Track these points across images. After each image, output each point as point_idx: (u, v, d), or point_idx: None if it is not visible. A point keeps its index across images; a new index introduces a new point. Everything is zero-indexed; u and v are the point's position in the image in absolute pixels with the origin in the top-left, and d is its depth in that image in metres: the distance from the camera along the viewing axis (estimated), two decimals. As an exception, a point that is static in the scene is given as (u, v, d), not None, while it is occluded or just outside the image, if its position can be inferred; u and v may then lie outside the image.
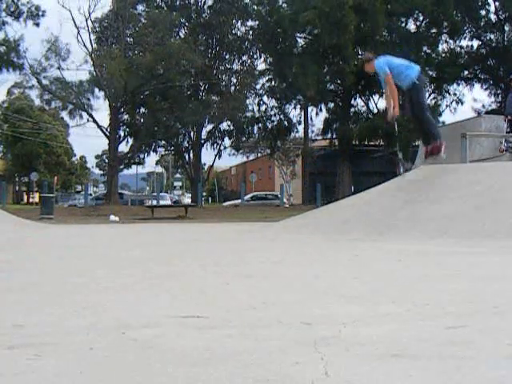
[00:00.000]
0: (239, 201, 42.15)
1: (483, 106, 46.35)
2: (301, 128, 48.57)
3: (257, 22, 44.37)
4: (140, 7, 47.12)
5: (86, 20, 44.05)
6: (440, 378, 2.26)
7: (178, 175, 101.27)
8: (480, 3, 41.55)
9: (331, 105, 44.39)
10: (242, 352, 2.64)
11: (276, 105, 47.26)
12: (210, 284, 4.90)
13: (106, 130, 44.07)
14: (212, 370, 2.38)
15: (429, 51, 41.47)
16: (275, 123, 47.45)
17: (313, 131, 49.04)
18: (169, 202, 52.87)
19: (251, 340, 2.86)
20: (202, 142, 48.56)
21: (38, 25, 41.77)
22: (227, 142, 49.96)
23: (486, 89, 45.27)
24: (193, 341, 2.87)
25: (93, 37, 44.28)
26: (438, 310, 3.53)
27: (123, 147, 50.77)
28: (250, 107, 47.95)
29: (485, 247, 7.62)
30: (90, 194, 55.76)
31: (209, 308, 3.72)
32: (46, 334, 3.01)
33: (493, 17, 42.94)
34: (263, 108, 47.52)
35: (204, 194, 56.06)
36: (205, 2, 46.93)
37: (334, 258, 7.24)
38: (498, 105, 44.07)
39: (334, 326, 3.08)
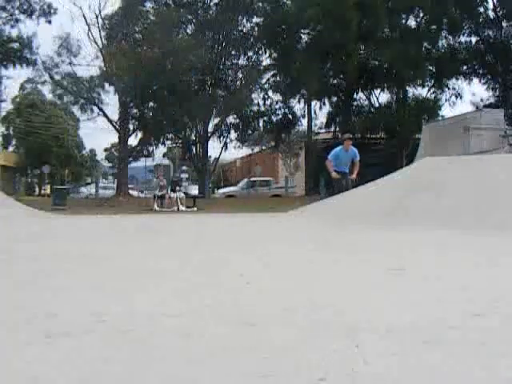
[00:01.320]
0: (234, 188, 41.65)
1: (481, 100, 46.19)
2: (304, 121, 48.50)
3: (262, 19, 44.30)
4: (148, 4, 47.01)
5: (97, 17, 43.97)
6: (477, 362, 2.27)
7: (184, 167, 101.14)
8: (478, 0, 41.37)
9: (334, 99, 44.33)
10: (279, 339, 2.65)
11: (280, 99, 47.21)
12: (244, 272, 4.90)
13: (116, 123, 44.09)
14: (249, 356, 2.39)
15: (429, 47, 41.33)
16: (280, 117, 47.44)
17: (316, 124, 48.89)
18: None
19: (288, 326, 2.87)
20: (209, 135, 48.51)
21: (50, 22, 41.78)
22: (233, 134, 49.96)
23: (484, 83, 45.11)
24: (224, 328, 2.88)
25: (103, 33, 44.26)
26: (460, 297, 3.53)
27: (132, 140, 50.73)
28: (256, 101, 47.86)
29: (490, 236, 7.62)
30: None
31: (240, 293, 3.73)
32: (82, 324, 3.02)
33: (491, 13, 42.74)
34: (268, 102, 47.48)
35: (210, 185, 55.92)
36: (211, 0, 46.85)
37: (347, 246, 7.23)
38: (496, 99, 43.95)
39: (363, 313, 3.09)
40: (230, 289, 4.05)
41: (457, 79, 43.72)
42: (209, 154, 56.53)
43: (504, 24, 42.80)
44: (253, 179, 51.52)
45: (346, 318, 3.03)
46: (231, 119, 48.84)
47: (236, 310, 3.28)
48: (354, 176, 14.05)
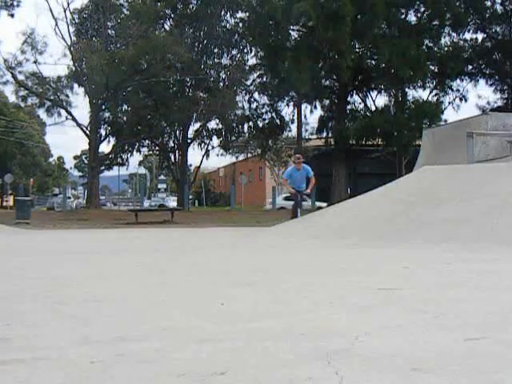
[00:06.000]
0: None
1: (488, 103, 46.37)
2: (294, 127, 48.57)
3: (247, 14, 44.33)
4: (122, -3, 47.00)
5: (65, 11, 43.85)
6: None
7: (162, 177, 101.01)
8: (485, -7, 41.63)
9: (326, 102, 44.39)
10: (252, 365, 2.64)
11: (267, 102, 47.22)
12: (212, 293, 4.89)
13: (86, 128, 43.87)
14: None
15: (430, 45, 41.52)
16: (266, 121, 47.40)
17: (307, 130, 48.95)
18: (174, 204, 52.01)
19: (261, 353, 2.86)
20: (189, 141, 48.43)
21: (12, 16, 41.68)
22: (215, 141, 49.90)
23: (491, 85, 45.33)
24: (196, 354, 2.87)
25: (72, 29, 44.15)
26: (453, 321, 3.54)
27: (104, 147, 50.67)
28: (240, 104, 47.82)
29: (495, 253, 7.64)
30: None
31: (214, 319, 3.72)
32: (37, 348, 3.00)
33: (499, 7, 42.95)
34: (254, 105, 47.47)
35: (190, 196, 55.85)
36: (191, -8, 46.88)
37: (336, 265, 7.24)
38: (505, 102, 44.13)
39: (346, 338, 3.08)
40: (207, 312, 4.04)
41: (461, 80, 43.99)
42: (189, 163, 56.54)
43: (513, 19, 42.99)
44: None
45: (326, 343, 3.02)
46: (213, 124, 48.76)
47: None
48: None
